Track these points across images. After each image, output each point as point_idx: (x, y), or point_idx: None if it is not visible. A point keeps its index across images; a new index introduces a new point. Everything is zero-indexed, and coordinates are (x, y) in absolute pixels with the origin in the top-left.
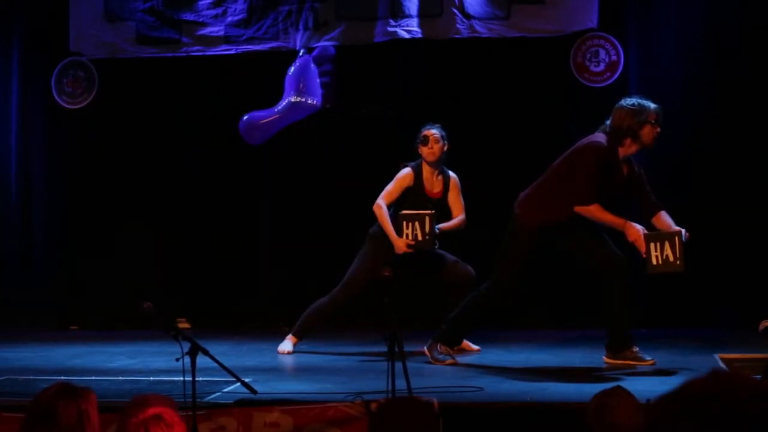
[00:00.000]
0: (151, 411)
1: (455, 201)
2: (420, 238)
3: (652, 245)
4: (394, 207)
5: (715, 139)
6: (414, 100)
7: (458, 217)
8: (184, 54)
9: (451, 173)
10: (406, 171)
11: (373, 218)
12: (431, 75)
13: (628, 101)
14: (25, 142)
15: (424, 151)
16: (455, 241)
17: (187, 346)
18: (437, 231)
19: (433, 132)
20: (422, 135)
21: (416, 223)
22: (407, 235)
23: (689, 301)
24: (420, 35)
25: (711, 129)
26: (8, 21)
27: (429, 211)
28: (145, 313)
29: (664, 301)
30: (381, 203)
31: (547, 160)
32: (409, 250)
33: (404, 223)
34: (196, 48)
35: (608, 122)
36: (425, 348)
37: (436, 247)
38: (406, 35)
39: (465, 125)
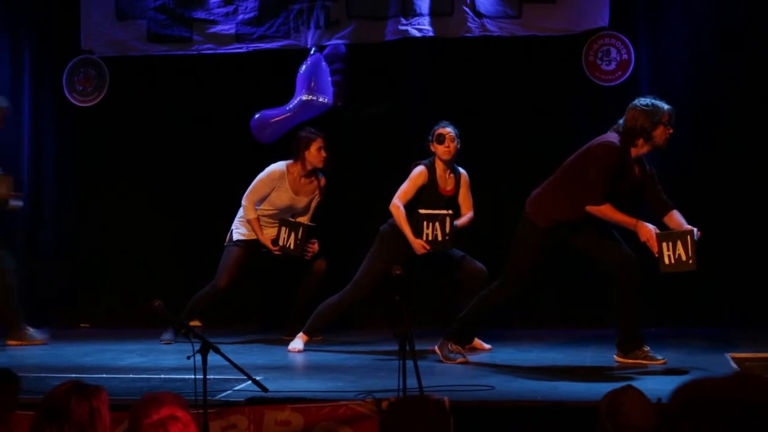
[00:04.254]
0: (167, 410)
1: (465, 198)
2: (440, 238)
3: (664, 245)
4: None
5: (727, 138)
6: (424, 99)
7: (468, 215)
8: (195, 52)
9: (461, 170)
10: (420, 169)
11: (383, 216)
12: (442, 74)
13: (642, 101)
14: (36, 140)
15: (439, 149)
16: (467, 239)
17: (198, 344)
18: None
19: (449, 130)
20: (437, 133)
21: (436, 224)
22: (427, 235)
23: (700, 301)
24: (431, 34)
25: (722, 128)
26: (20, 19)
27: (448, 211)
28: (155, 311)
29: (675, 300)
30: (398, 203)
31: (559, 158)
32: (427, 251)
33: (424, 223)
34: (207, 46)
35: (621, 122)
36: (436, 347)
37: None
38: (417, 34)
39: (476, 124)
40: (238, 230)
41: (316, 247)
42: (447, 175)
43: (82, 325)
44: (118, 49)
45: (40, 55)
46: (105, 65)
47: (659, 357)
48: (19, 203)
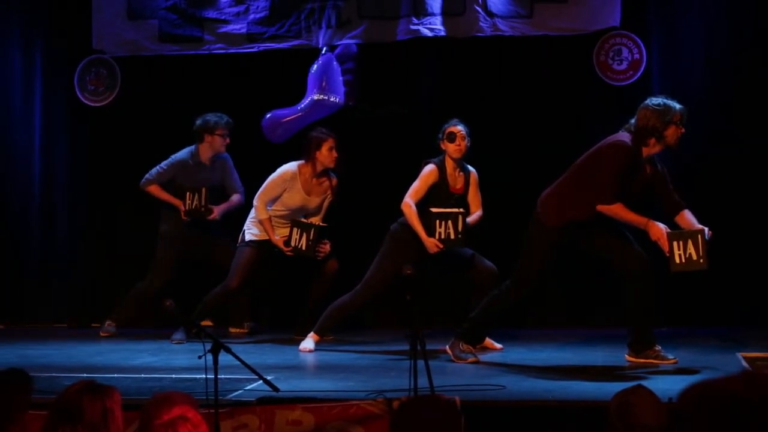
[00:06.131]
0: (177, 411)
1: (474, 196)
2: (452, 236)
3: (675, 244)
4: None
5: (738, 138)
6: (435, 99)
7: (477, 213)
8: (207, 52)
9: (470, 168)
10: (431, 168)
11: (394, 216)
12: (453, 73)
13: (654, 101)
14: (48, 140)
15: (450, 147)
16: (477, 239)
17: (209, 344)
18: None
19: (460, 128)
20: (448, 131)
21: (449, 222)
22: (440, 233)
23: (711, 300)
24: (443, 33)
25: (734, 127)
26: (32, 19)
27: (460, 210)
28: (167, 310)
29: (686, 299)
30: (410, 202)
31: (570, 158)
32: (440, 249)
33: (437, 221)
34: (218, 46)
35: (633, 121)
36: (447, 346)
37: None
38: (429, 33)
39: (487, 124)
40: (250, 231)
41: (327, 247)
42: (457, 174)
43: (93, 324)
44: (130, 49)
45: (51, 54)
46: (116, 65)
47: (670, 356)
48: (216, 216)
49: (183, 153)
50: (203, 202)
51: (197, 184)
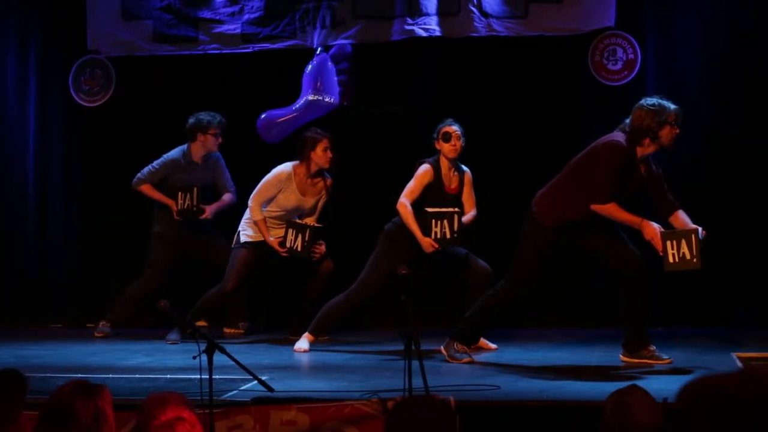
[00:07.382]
0: (173, 412)
1: (468, 196)
2: (448, 236)
3: (668, 243)
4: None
5: (734, 138)
6: (431, 99)
7: (471, 212)
8: (201, 52)
9: (464, 168)
10: (426, 168)
11: (389, 216)
12: (448, 73)
13: (649, 101)
14: (42, 140)
15: (445, 147)
16: (473, 239)
17: (203, 344)
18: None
19: (455, 128)
20: (443, 131)
21: (444, 222)
22: (435, 233)
23: (706, 300)
24: (437, 34)
25: (729, 128)
26: (26, 19)
27: (456, 209)
28: (162, 311)
29: (680, 299)
30: (405, 202)
31: (565, 158)
32: (436, 249)
33: (432, 221)
34: (213, 46)
35: (627, 121)
36: (442, 346)
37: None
38: (424, 34)
39: (482, 124)
40: (245, 232)
41: (323, 248)
42: (452, 174)
43: (88, 324)
44: (125, 49)
45: (46, 55)
46: (111, 65)
47: (665, 357)
48: (208, 215)
49: (175, 152)
50: (195, 202)
51: (189, 183)
